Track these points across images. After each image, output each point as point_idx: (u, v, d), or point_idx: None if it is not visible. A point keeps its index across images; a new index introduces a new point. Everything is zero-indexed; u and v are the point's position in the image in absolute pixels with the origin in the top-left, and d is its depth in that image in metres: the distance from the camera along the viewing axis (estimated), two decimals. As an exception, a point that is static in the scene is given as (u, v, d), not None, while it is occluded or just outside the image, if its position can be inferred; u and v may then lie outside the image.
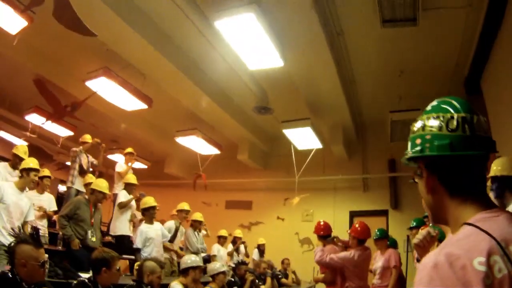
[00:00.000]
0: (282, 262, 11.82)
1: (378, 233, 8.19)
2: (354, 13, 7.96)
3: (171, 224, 9.10)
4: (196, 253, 9.07)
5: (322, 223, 7.67)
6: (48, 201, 8.70)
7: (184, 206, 9.37)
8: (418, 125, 1.44)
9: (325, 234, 7.52)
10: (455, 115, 1.34)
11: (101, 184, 7.28)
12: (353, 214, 14.31)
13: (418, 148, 1.40)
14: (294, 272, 11.77)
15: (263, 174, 15.57)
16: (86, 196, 7.41)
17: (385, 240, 8.24)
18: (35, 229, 3.83)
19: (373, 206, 13.97)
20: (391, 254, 7.95)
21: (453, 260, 1.12)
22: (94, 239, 6.88)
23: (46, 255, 3.70)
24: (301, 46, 8.35)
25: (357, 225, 7.09)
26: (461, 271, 1.09)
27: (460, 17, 7.91)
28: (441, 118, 1.35)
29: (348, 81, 10.49)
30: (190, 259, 6.53)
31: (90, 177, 9.05)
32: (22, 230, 5.51)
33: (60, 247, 7.18)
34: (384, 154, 13.56)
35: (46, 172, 8.79)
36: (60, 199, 8.44)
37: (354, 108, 12.17)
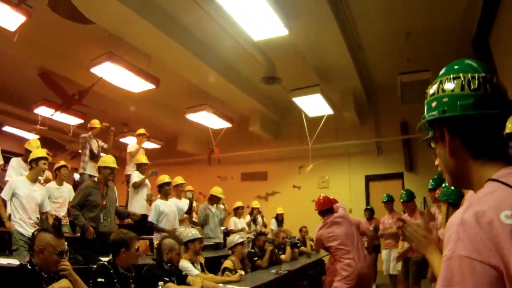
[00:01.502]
0: (300, 230, 11.85)
1: (404, 194, 8.06)
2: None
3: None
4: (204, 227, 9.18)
5: (321, 198, 7.08)
6: (68, 192, 8.74)
7: (178, 180, 9.17)
8: (434, 88, 1.42)
9: (325, 208, 6.95)
10: (476, 75, 1.31)
11: (107, 160, 7.15)
12: (368, 179, 14.38)
13: (438, 110, 1.37)
14: (312, 240, 11.82)
15: (276, 144, 15.59)
16: (96, 179, 7.33)
17: (413, 202, 8.12)
18: (58, 219, 3.87)
19: (388, 170, 14.01)
20: (416, 217, 7.87)
21: (479, 216, 1.10)
22: (105, 224, 6.82)
23: (66, 246, 3.74)
24: (305, 14, 8.27)
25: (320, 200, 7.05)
26: (488, 226, 1.07)
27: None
28: (462, 78, 1.33)
29: (355, 46, 10.40)
30: (187, 233, 6.51)
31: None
32: (43, 221, 5.57)
33: (79, 234, 7.24)
34: (396, 117, 13.53)
35: (62, 162, 8.84)
36: (76, 187, 8.46)
37: (363, 72, 12.10)
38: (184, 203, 8.88)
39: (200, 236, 6.63)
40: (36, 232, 3.73)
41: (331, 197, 7.18)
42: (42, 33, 8.97)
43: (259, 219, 11.98)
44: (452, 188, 3.80)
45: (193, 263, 6.11)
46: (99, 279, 4.04)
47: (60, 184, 8.62)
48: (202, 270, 6.29)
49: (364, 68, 12.04)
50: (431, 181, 6.55)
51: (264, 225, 12.23)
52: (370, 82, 13.26)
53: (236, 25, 7.75)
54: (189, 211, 8.95)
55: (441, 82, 1.39)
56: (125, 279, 4.30)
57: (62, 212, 8.47)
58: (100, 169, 7.12)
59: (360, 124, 14.21)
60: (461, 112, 1.30)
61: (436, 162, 1.55)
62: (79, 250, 5.22)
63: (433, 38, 10.11)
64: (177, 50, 9.10)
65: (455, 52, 10.18)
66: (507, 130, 3.51)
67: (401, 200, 8.08)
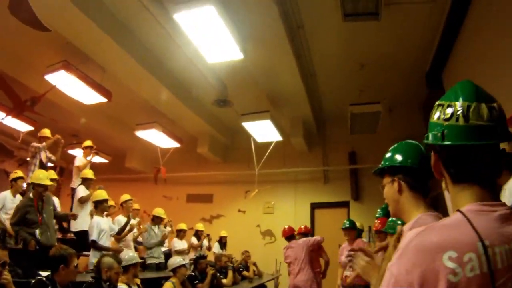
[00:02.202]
0: (242, 254, 11.82)
1: (347, 222, 8.28)
2: (315, 6, 7.95)
3: (120, 218, 8.95)
4: (151, 248, 9.08)
5: (286, 228, 9.61)
6: None
7: (126, 197, 9.13)
8: (434, 116, 1.40)
9: (287, 235, 9.47)
10: (452, 103, 1.32)
11: (40, 176, 7.00)
12: (314, 206, 14.45)
13: (431, 137, 1.38)
14: (255, 264, 11.80)
15: (224, 167, 15.56)
16: (30, 195, 7.08)
17: (354, 231, 8.33)
18: (2, 230, 3.76)
19: (334, 198, 14.11)
20: (359, 244, 8.08)
21: (425, 247, 1.13)
22: (42, 238, 6.69)
23: (6, 257, 3.64)
24: (261, 39, 8.36)
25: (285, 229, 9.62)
26: (428, 259, 1.10)
27: (423, 12, 7.99)
28: (441, 107, 1.35)
29: (308, 74, 10.53)
30: (128, 256, 6.42)
31: (52, 174, 8.87)
32: None
33: (20, 246, 7.05)
34: (345, 146, 13.74)
35: (18, 173, 8.61)
36: (23, 195, 8.23)
37: (314, 101, 12.23)
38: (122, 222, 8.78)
39: (139, 260, 6.68)
40: None
41: (301, 226, 10.06)
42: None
43: (205, 241, 11.89)
44: (399, 222, 3.83)
45: (130, 286, 6.02)
46: (36, 295, 3.94)
47: (15, 195, 8.38)
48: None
49: (316, 97, 12.16)
50: (379, 210, 6.76)
51: (209, 248, 12.15)
52: (320, 110, 13.39)
53: (192, 46, 7.76)
54: (120, 232, 8.80)
55: (439, 110, 1.38)
56: (64, 296, 4.19)
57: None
58: (33, 185, 6.96)
59: (308, 152, 14.33)
60: (432, 142, 1.35)
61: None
62: (20, 263, 5.09)
63: (387, 70, 10.30)
64: (132, 64, 9.02)
65: (408, 86, 10.43)
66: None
67: (343, 227, 8.26)
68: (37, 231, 6.62)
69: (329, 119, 14.11)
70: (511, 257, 1.15)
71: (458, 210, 1.23)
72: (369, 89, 10.80)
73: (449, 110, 1.31)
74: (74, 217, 7.97)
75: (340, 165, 14.02)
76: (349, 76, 10.68)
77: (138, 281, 6.57)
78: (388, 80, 10.63)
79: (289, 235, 9.36)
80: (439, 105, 1.36)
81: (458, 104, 1.29)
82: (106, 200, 8.05)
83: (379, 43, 9.14)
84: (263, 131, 11.55)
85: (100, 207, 7.92)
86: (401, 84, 10.57)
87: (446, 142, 1.29)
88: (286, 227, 9.59)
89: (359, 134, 11.71)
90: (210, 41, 7.41)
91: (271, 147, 12.75)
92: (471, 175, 1.31)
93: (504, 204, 1.27)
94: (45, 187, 6.93)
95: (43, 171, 7.38)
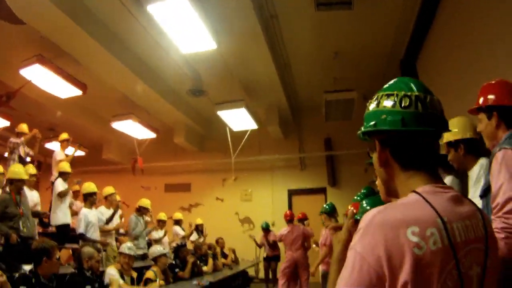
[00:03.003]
0: (217, 242, 11.88)
1: (327, 207, 8.40)
2: (288, -4, 8.02)
3: (102, 209, 8.98)
4: (137, 239, 9.13)
5: (287, 212, 11.13)
6: None
7: (110, 190, 9.20)
8: (373, 103, 1.48)
9: (287, 219, 10.79)
10: (409, 93, 1.38)
11: (17, 170, 6.93)
12: (291, 193, 14.62)
13: (372, 123, 1.44)
14: (233, 251, 11.92)
15: (201, 156, 15.62)
16: (8, 189, 7.01)
17: (334, 215, 8.47)
18: None
19: (311, 184, 14.31)
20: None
21: (388, 223, 1.17)
22: (25, 229, 6.70)
23: None
24: (235, 29, 8.40)
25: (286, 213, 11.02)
26: (391, 235, 1.14)
27: (396, 1, 8.10)
28: (395, 96, 1.40)
29: (282, 63, 10.61)
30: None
31: (31, 168, 8.82)
32: None
33: (2, 242, 7.04)
34: (320, 133, 13.88)
35: (0, 169, 8.57)
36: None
37: (289, 89, 12.33)
38: (107, 213, 8.81)
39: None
40: None
41: (300, 213, 11.69)
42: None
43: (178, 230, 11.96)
44: (368, 207, 3.93)
45: (122, 274, 6.12)
46: (21, 288, 4.00)
47: None
48: (132, 284, 6.32)
49: (290, 85, 12.25)
50: (358, 193, 6.91)
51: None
52: (295, 98, 13.50)
53: (166, 37, 7.78)
54: (108, 222, 8.84)
55: (377, 98, 1.47)
56: (47, 288, 4.26)
57: None
58: (11, 181, 6.86)
59: (284, 139, 14.47)
60: (389, 127, 1.38)
61: (377, 182, 1.62)
62: (2, 258, 5.12)
63: (361, 58, 10.42)
64: (106, 57, 8.99)
65: (382, 73, 10.56)
66: (444, 140, 3.68)
67: (323, 211, 8.37)
68: (21, 223, 6.61)
69: (305, 106, 14.21)
70: (467, 232, 1.25)
71: (414, 191, 1.30)
72: (344, 77, 10.89)
73: (407, 99, 1.38)
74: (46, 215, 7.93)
75: (316, 152, 14.18)
76: (323, 65, 10.76)
77: (134, 274, 6.70)
78: (362, 68, 10.77)
79: (289, 220, 10.73)
80: (388, 94, 1.43)
81: (416, 94, 1.39)
82: (95, 193, 8.12)
83: (352, 32, 9.23)
84: (239, 119, 11.65)
85: (89, 199, 8.00)
86: (375, 72, 10.66)
87: (409, 128, 1.35)
88: (288, 211, 11.25)
89: (334, 121, 11.82)
90: (184, 32, 7.40)
91: (247, 135, 12.85)
92: (420, 161, 1.40)
93: (452, 188, 1.38)
94: (23, 181, 6.90)
95: (19, 165, 7.33)
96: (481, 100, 2.85)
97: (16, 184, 6.81)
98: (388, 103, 1.42)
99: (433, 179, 1.37)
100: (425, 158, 1.41)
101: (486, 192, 2.73)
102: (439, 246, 1.16)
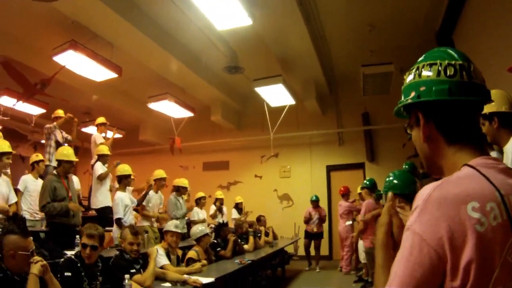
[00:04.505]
0: (258, 220, 11.89)
1: (367, 182, 8.41)
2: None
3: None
4: (177, 219, 9.14)
5: (342, 188, 11.71)
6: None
7: (162, 174, 9.25)
8: (412, 74, 1.42)
9: (343, 193, 11.63)
10: (453, 62, 1.32)
11: (66, 152, 6.91)
12: (330, 169, 14.53)
13: (414, 95, 1.37)
14: (272, 229, 11.92)
15: (238, 134, 15.65)
16: (55, 172, 6.99)
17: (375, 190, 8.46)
18: (21, 218, 3.70)
19: (350, 160, 14.19)
20: (368, 205, 8.25)
21: (446, 199, 1.12)
22: (74, 215, 6.70)
23: (33, 244, 3.63)
24: (270, 4, 8.25)
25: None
26: (452, 213, 1.09)
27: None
28: (439, 65, 1.33)
29: (318, 37, 10.42)
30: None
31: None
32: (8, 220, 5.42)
33: (43, 228, 7.07)
34: (358, 107, 13.68)
35: (40, 156, 8.63)
36: (42, 178, 8.25)
37: (325, 63, 12.15)
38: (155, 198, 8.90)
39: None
40: (1, 235, 3.56)
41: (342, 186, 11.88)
42: (4, 20, 8.76)
43: (224, 209, 11.98)
44: (395, 181, 3.84)
45: (169, 253, 6.12)
46: (66, 273, 3.98)
47: (37, 178, 8.40)
48: (178, 263, 6.32)
49: (327, 59, 12.08)
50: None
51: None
52: (332, 72, 13.33)
53: (200, 14, 7.68)
54: (140, 203, 8.88)
55: (418, 69, 1.40)
56: (93, 271, 4.24)
57: (37, 206, 8.22)
58: (61, 162, 6.86)
59: (321, 114, 14.34)
60: (435, 97, 1.31)
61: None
62: (44, 244, 5.13)
63: (397, 31, 10.21)
64: (140, 37, 8.99)
65: (418, 46, 10.30)
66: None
67: (363, 187, 8.35)
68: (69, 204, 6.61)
69: (341, 81, 14.04)
70: None
71: (466, 164, 1.23)
72: (380, 50, 10.72)
73: (451, 68, 1.31)
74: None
75: (354, 127, 14.01)
76: (359, 38, 10.59)
77: (179, 252, 6.77)
78: (398, 41, 10.56)
79: (343, 194, 11.60)
80: (430, 64, 1.36)
81: (460, 63, 1.32)
82: (130, 175, 8.08)
83: (388, 3, 9.04)
84: (276, 95, 11.51)
85: (124, 181, 7.96)
86: (411, 44, 10.45)
87: (456, 97, 1.29)
88: (342, 187, 11.81)
89: (372, 95, 11.64)
90: (218, 8, 7.30)
91: (284, 111, 12.72)
92: (467, 133, 1.33)
93: (501, 161, 1.31)
94: (71, 164, 6.91)
95: (68, 147, 7.35)
96: None
97: (64, 166, 6.81)
98: (430, 73, 1.35)
99: (481, 152, 1.31)
100: (471, 130, 1.35)
101: None
102: (499, 221, 1.10)
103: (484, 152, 1.31)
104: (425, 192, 1.16)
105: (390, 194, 1.70)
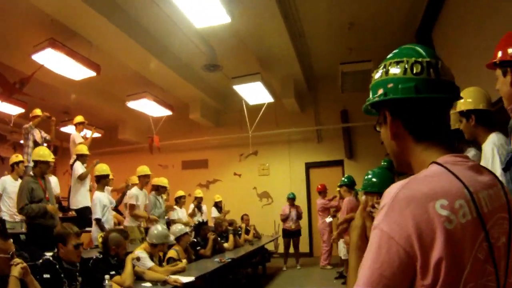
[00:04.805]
0: (242, 218, 11.95)
1: (346, 180, 8.41)
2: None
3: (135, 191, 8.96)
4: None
5: (320, 185, 12.02)
6: None
7: (146, 170, 9.21)
8: (379, 71, 1.42)
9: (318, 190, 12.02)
10: (420, 59, 1.32)
11: (42, 153, 6.88)
12: (309, 166, 14.57)
13: (381, 93, 1.37)
14: (254, 227, 11.93)
15: (217, 132, 15.58)
16: (31, 172, 7.02)
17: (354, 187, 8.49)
18: (1, 220, 3.66)
19: (329, 157, 14.25)
20: (349, 202, 8.27)
21: (414, 198, 1.11)
22: (53, 220, 6.65)
23: (13, 247, 3.60)
24: (248, 2, 8.25)
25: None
26: (419, 211, 1.08)
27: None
28: (405, 63, 1.33)
29: (297, 34, 10.44)
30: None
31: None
32: None
33: (24, 230, 7.02)
34: (337, 105, 13.78)
35: (19, 157, 8.55)
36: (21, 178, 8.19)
37: (304, 61, 12.20)
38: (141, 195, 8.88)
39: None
40: None
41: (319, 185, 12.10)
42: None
43: (204, 208, 11.97)
44: (374, 179, 3.86)
45: (152, 255, 6.08)
46: (45, 275, 3.94)
47: (16, 179, 8.32)
48: (160, 263, 6.29)
49: (306, 57, 12.12)
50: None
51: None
52: (311, 70, 13.39)
53: (179, 12, 7.65)
54: (118, 204, 8.83)
55: (385, 66, 1.40)
56: (72, 273, 4.20)
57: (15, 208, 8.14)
58: (37, 163, 6.84)
59: (300, 112, 14.37)
60: (401, 95, 1.31)
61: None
62: (25, 247, 5.08)
63: (376, 29, 10.26)
64: (119, 36, 8.91)
65: (398, 44, 10.32)
66: (457, 109, 3.60)
67: (341, 184, 8.38)
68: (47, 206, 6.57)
69: (320, 78, 14.10)
70: (493, 201, 1.19)
71: (434, 162, 1.23)
72: (360, 48, 10.78)
73: (418, 65, 1.31)
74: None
75: (332, 124, 14.06)
76: (338, 35, 10.63)
77: (161, 252, 6.67)
78: (378, 39, 10.59)
79: (319, 191, 11.95)
80: (397, 62, 1.37)
81: (427, 60, 1.32)
82: (108, 175, 8.05)
83: (367, 1, 9.07)
84: (255, 93, 11.53)
85: (102, 182, 7.92)
86: (391, 43, 10.47)
87: (423, 95, 1.29)
88: (320, 185, 12.05)
89: (350, 93, 11.70)
90: (197, 6, 7.27)
91: (263, 109, 12.77)
92: (435, 131, 1.34)
93: (469, 158, 1.30)
94: (48, 164, 6.87)
95: (44, 148, 7.31)
96: (499, 54, 2.68)
97: (41, 167, 6.81)
98: (397, 71, 1.35)
99: (450, 149, 1.31)
100: (439, 127, 1.35)
101: (510, 164, 2.63)
102: (468, 218, 1.11)
103: (453, 150, 1.31)
104: (392, 190, 1.16)
105: (363, 197, 1.70)
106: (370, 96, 1.43)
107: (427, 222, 1.07)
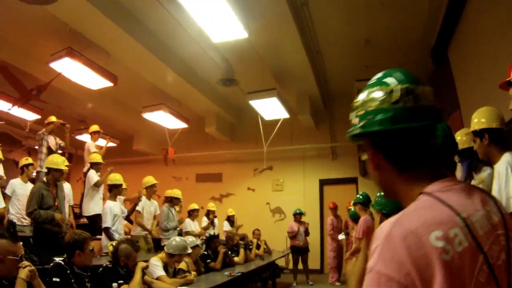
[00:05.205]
0: (253, 233, 11.92)
1: (360, 197, 8.27)
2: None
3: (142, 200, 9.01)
4: (168, 230, 9.17)
5: (331, 203, 12.29)
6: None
7: (152, 180, 9.22)
8: (360, 99, 1.37)
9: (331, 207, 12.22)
10: (398, 87, 1.27)
11: (56, 161, 6.90)
12: (323, 182, 14.50)
13: (361, 123, 1.32)
14: (265, 242, 11.90)
15: (232, 146, 15.65)
16: (44, 179, 7.00)
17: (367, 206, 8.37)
18: (11, 223, 3.68)
19: (343, 174, 14.17)
20: (366, 222, 8.12)
21: (407, 234, 1.07)
22: (60, 228, 6.68)
23: (22, 249, 3.63)
24: (266, 17, 8.29)
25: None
26: (415, 246, 1.05)
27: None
28: (384, 91, 1.29)
29: (313, 51, 10.47)
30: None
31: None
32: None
33: (30, 233, 7.06)
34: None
35: (29, 160, 8.61)
36: (33, 183, 8.23)
37: (320, 77, 12.20)
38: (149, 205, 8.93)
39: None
40: None
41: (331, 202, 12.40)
42: (1, 25, 8.77)
43: (216, 221, 11.98)
44: (385, 200, 3.83)
45: (167, 265, 6.08)
46: (54, 279, 3.97)
47: (26, 181, 8.39)
48: (174, 275, 6.28)
49: (322, 73, 12.12)
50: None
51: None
52: (327, 87, 13.36)
53: (196, 26, 7.73)
54: (130, 214, 8.89)
55: (365, 95, 1.35)
56: (81, 278, 4.24)
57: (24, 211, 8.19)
58: (50, 170, 6.87)
59: (315, 128, 14.35)
60: (378, 128, 1.27)
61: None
62: (34, 250, 5.12)
63: (393, 46, 10.25)
64: (136, 47, 9.01)
65: (414, 61, 10.38)
66: (471, 129, 3.60)
67: (356, 202, 8.28)
68: (55, 214, 6.61)
69: (336, 95, 14.08)
70: (487, 222, 1.16)
71: (422, 193, 1.20)
72: (375, 65, 10.68)
73: (395, 93, 1.27)
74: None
75: (347, 141, 13.92)
76: (354, 52, 10.61)
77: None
78: (394, 55, 10.56)
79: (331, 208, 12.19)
80: (376, 90, 1.31)
81: (405, 87, 1.27)
82: (121, 185, 8.09)
83: (383, 19, 9.08)
84: (270, 108, 11.52)
85: (114, 191, 7.95)
86: (407, 59, 10.50)
87: (401, 125, 1.25)
88: (331, 203, 12.36)
89: (366, 110, 11.68)
90: (214, 20, 7.33)
91: (278, 124, 12.76)
92: (418, 160, 1.29)
93: (455, 178, 1.28)
94: (61, 172, 6.89)
95: (58, 155, 7.34)
96: None
97: (54, 174, 6.83)
98: (374, 101, 1.30)
99: (436, 175, 1.26)
100: (423, 156, 1.29)
101: None
102: (465, 245, 1.08)
103: (439, 174, 1.27)
104: (384, 229, 1.13)
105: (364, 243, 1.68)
106: (352, 126, 1.38)
107: (424, 257, 1.04)
